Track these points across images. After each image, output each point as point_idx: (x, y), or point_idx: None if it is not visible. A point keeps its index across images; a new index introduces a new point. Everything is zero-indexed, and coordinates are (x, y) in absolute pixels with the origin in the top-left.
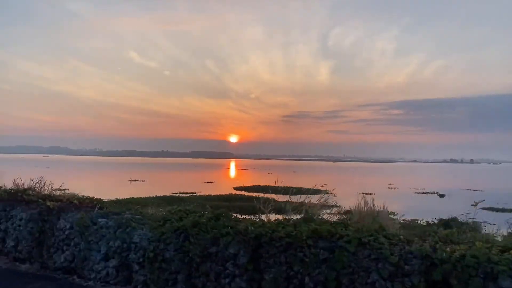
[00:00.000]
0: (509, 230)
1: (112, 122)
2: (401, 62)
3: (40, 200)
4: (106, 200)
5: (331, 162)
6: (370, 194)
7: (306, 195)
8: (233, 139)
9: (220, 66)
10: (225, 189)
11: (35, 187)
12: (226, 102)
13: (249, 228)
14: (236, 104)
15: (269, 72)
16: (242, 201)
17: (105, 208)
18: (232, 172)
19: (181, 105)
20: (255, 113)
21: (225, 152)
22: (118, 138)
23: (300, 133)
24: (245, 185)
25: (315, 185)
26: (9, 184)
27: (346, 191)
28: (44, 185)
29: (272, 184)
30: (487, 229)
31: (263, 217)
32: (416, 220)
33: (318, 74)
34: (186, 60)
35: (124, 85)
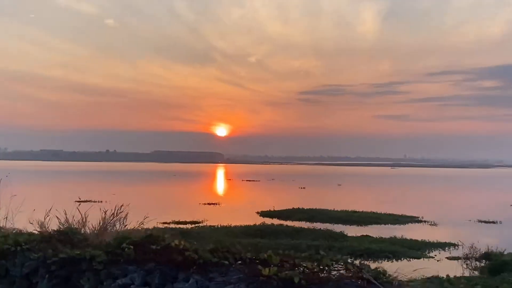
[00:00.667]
0: None
1: (23, 104)
2: (496, 2)
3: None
4: None
5: (388, 168)
6: (493, 222)
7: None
8: (221, 130)
9: (197, 10)
10: (246, 215)
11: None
12: (208, 70)
13: None
14: (225, 72)
15: (280, 20)
16: (286, 236)
17: None
18: (235, 185)
19: (135, 75)
20: (256, 87)
21: (209, 153)
22: (33, 131)
23: (330, 120)
24: (275, 208)
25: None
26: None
27: (451, 217)
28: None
29: (317, 205)
30: None
31: None
32: None
33: (360, 22)
34: (142, 2)
35: (41, 42)
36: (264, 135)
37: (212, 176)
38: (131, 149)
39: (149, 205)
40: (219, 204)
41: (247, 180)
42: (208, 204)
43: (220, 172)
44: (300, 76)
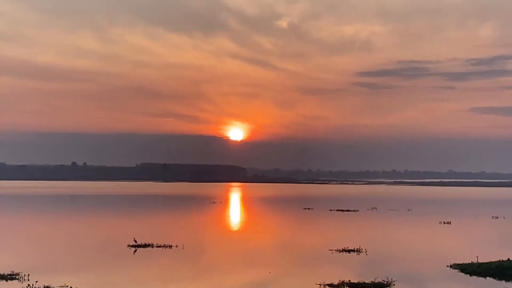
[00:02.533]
0: None
1: None
2: None
3: None
4: None
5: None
6: None
7: None
8: (237, 133)
9: None
10: (434, 270)
11: None
12: (218, 41)
13: None
14: (242, 44)
15: None
16: None
17: None
18: (338, 219)
19: (105, 49)
20: (289, 66)
21: (225, 168)
22: None
23: (404, 116)
24: (480, 259)
25: None
26: None
27: None
28: None
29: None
30: None
31: None
32: None
33: None
34: None
35: None
36: (303, 139)
37: (273, 204)
38: (107, 162)
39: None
40: (359, 251)
41: (339, 210)
42: (345, 251)
43: (267, 198)
44: (357, 49)
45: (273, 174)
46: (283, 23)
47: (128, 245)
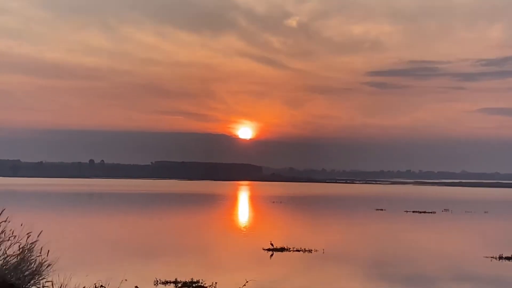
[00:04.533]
0: None
1: None
2: None
3: None
4: None
5: None
6: None
7: None
8: (246, 131)
9: None
10: None
11: None
12: (226, 39)
13: None
14: (252, 43)
15: None
16: None
17: None
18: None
19: (114, 48)
20: (298, 65)
21: (241, 167)
22: None
23: (416, 116)
24: None
25: None
26: None
27: None
28: None
29: None
30: None
31: None
32: None
33: None
34: None
35: None
36: (313, 138)
37: (342, 205)
38: (123, 159)
39: None
40: None
41: (415, 212)
42: (503, 258)
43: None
44: (367, 49)
45: (288, 173)
46: (292, 22)
47: (263, 249)
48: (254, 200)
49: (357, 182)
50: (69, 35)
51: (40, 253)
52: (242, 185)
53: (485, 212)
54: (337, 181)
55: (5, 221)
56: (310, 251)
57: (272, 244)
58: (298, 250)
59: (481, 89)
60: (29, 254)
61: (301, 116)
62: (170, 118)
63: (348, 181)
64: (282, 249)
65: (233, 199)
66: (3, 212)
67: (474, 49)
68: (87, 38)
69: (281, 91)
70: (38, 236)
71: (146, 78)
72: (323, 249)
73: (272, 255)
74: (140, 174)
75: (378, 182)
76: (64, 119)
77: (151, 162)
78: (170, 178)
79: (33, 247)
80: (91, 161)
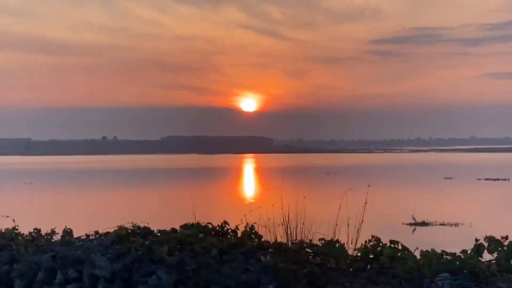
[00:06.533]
0: None
1: None
2: None
3: None
4: None
5: None
6: None
7: None
8: (250, 104)
9: None
10: None
11: None
12: (227, 11)
13: None
14: (252, 14)
15: None
16: None
17: None
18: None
19: (113, 22)
20: (299, 36)
21: (251, 139)
22: None
23: (420, 83)
24: None
25: None
26: None
27: None
28: None
29: None
30: None
31: None
32: None
33: None
34: None
35: None
36: (317, 109)
37: (407, 174)
38: (134, 135)
39: None
40: None
41: (488, 179)
42: None
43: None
44: (369, 17)
45: (297, 144)
46: None
47: (403, 223)
48: (312, 173)
49: (376, 151)
50: (69, 11)
51: None
52: (264, 157)
53: None
54: (355, 151)
55: None
56: (456, 225)
57: (414, 218)
58: (442, 224)
59: (486, 54)
60: None
61: (304, 86)
62: (173, 93)
63: (366, 151)
64: (424, 223)
65: (296, 173)
66: None
67: (478, 14)
68: (86, 14)
69: (283, 62)
70: None
71: (147, 53)
72: (470, 222)
73: (414, 229)
74: (153, 149)
75: (397, 151)
76: (66, 96)
77: (161, 137)
78: (183, 152)
79: None
80: (104, 137)
